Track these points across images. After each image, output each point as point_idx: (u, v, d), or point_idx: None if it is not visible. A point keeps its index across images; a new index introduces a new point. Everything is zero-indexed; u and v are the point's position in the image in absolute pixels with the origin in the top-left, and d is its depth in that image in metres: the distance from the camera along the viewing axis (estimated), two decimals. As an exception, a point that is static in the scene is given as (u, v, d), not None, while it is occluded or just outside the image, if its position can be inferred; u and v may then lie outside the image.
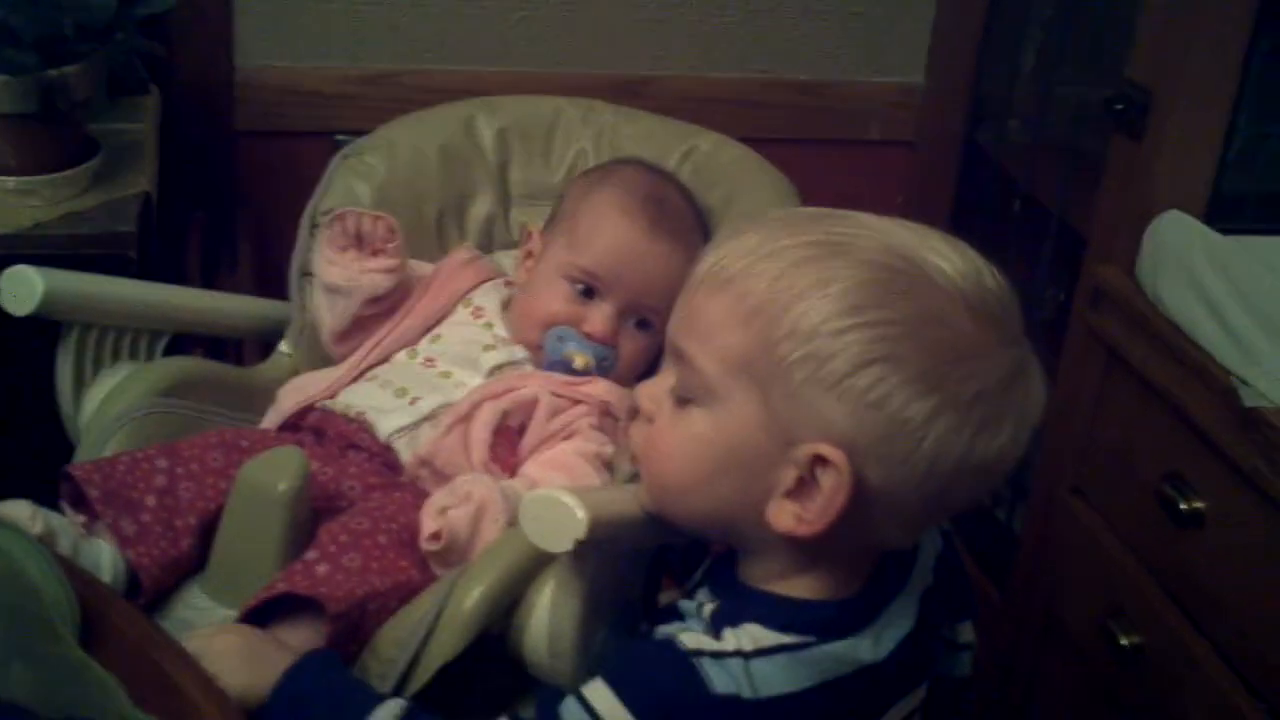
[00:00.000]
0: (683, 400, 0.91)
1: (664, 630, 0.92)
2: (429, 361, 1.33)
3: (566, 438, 1.27)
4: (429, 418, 1.27)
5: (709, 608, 0.92)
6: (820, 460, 0.84)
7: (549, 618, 1.03)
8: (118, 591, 1.09)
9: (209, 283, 1.69)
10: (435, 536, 1.11)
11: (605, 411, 1.29)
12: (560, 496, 0.95)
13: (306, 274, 1.43)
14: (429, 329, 1.37)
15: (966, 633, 1.08)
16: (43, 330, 1.27)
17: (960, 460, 0.85)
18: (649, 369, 1.34)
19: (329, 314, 1.36)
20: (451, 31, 1.93)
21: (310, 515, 1.14)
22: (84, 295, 1.28)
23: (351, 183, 1.45)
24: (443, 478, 1.22)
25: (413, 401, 1.28)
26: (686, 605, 0.94)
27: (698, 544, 1.04)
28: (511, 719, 0.97)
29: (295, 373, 1.40)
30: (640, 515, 0.97)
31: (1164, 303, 1.37)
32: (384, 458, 1.25)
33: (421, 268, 1.41)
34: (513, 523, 1.09)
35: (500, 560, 1.06)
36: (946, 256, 0.86)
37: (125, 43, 1.55)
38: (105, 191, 1.53)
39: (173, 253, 1.72)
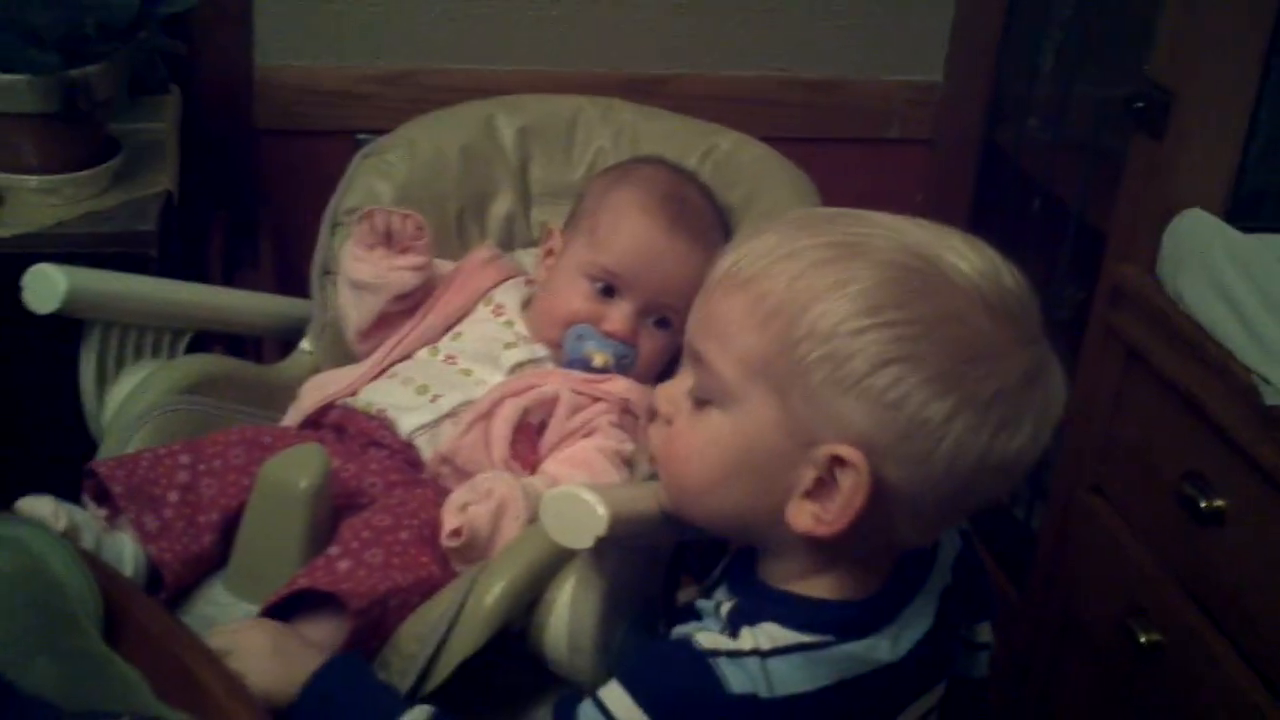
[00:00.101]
0: (701, 402, 0.91)
1: (680, 630, 0.92)
2: (450, 359, 1.34)
3: (587, 435, 1.27)
4: (450, 415, 1.27)
5: (727, 606, 0.92)
6: (839, 461, 0.84)
7: (569, 614, 1.04)
8: (140, 586, 1.09)
9: (230, 281, 1.70)
10: (456, 533, 1.11)
11: (625, 409, 1.30)
12: (581, 493, 0.95)
13: (328, 272, 1.44)
14: (450, 327, 1.37)
15: (984, 633, 1.08)
16: (65, 329, 1.28)
17: (979, 459, 0.84)
18: (668, 367, 1.35)
19: (355, 310, 1.37)
20: (470, 31, 1.93)
21: (331, 512, 1.14)
22: (106, 294, 1.29)
23: (373, 182, 1.45)
24: (464, 475, 1.22)
25: (433, 399, 1.28)
26: (704, 604, 0.94)
27: (716, 542, 1.04)
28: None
29: (316, 370, 1.41)
30: (660, 513, 0.97)
31: (1184, 301, 1.37)
32: (405, 455, 1.26)
33: (443, 266, 1.41)
34: (533, 520, 1.09)
35: (521, 557, 1.06)
36: (964, 255, 0.86)
37: (147, 42, 1.55)
38: (126, 190, 1.54)
39: (194, 251, 1.73)
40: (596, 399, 1.29)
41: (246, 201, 1.93)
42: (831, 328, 0.83)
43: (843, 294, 0.83)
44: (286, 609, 1.05)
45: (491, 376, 1.30)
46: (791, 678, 0.87)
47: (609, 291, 1.33)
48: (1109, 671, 1.52)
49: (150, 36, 1.55)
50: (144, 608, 0.94)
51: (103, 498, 1.14)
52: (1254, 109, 1.38)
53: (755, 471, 0.88)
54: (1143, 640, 1.41)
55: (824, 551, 0.89)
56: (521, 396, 1.27)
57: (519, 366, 1.32)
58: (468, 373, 1.31)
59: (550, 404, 1.28)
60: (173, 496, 1.14)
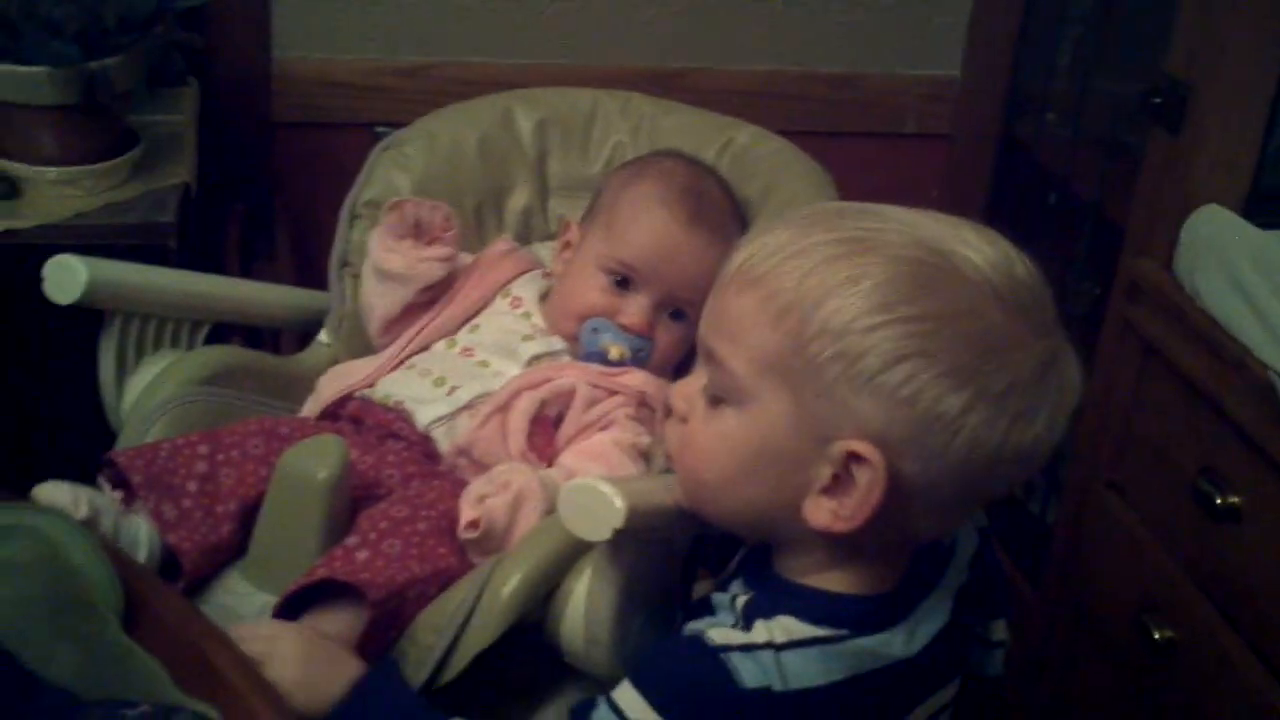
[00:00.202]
0: (715, 400, 0.91)
1: (693, 627, 0.92)
2: (467, 351, 1.34)
3: (603, 428, 1.27)
4: (467, 407, 1.27)
5: (743, 599, 0.92)
6: (855, 457, 0.84)
7: (585, 606, 1.04)
8: (160, 578, 1.10)
9: (246, 273, 1.71)
10: (473, 524, 1.12)
11: (642, 402, 1.30)
12: (599, 486, 0.95)
13: (346, 264, 1.44)
14: (468, 319, 1.37)
15: (999, 630, 1.08)
16: (83, 319, 1.29)
17: (995, 451, 0.84)
18: (685, 360, 1.35)
19: (382, 300, 1.37)
20: (486, 24, 1.93)
21: (349, 503, 1.15)
22: (126, 285, 1.29)
23: (391, 174, 1.46)
24: (481, 467, 1.22)
25: (450, 391, 1.29)
26: (719, 598, 0.95)
27: (732, 536, 1.04)
28: None
29: (334, 362, 1.41)
30: (677, 506, 0.97)
31: (1201, 296, 1.37)
32: (423, 447, 1.26)
33: (462, 259, 1.42)
34: (550, 512, 1.10)
35: (538, 548, 1.07)
36: (977, 248, 0.86)
37: (165, 35, 1.56)
38: (145, 182, 1.55)
39: (210, 243, 1.74)
40: (613, 392, 1.29)
41: (263, 194, 1.93)
42: (844, 325, 0.83)
43: (854, 290, 0.83)
44: (304, 599, 1.05)
45: (509, 369, 1.31)
46: (806, 671, 0.87)
47: (625, 284, 1.33)
48: (1123, 668, 1.52)
49: (169, 29, 1.56)
50: (162, 597, 0.95)
51: (119, 482, 1.15)
52: (1272, 105, 1.38)
53: (771, 469, 0.88)
54: (1157, 637, 1.41)
55: (841, 546, 0.90)
56: (538, 389, 1.27)
57: (536, 359, 1.32)
58: (485, 365, 1.32)
59: (567, 397, 1.28)
60: (191, 486, 1.14)
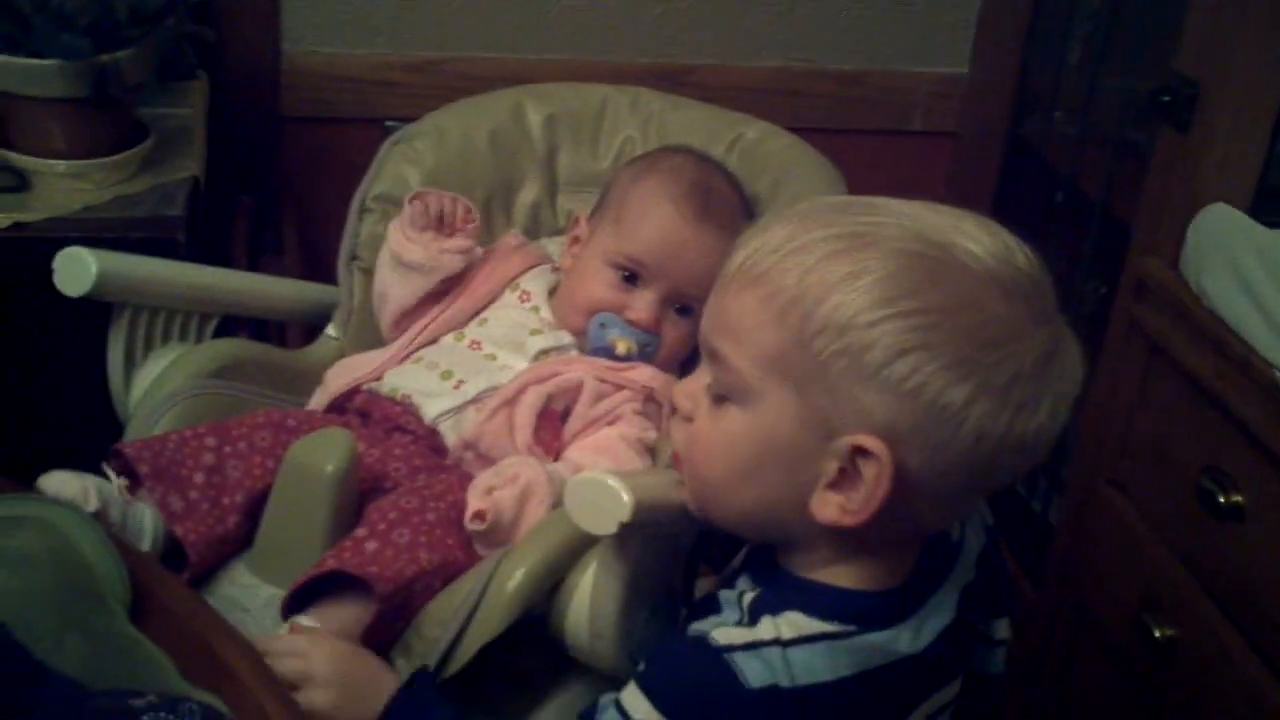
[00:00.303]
0: (720, 398, 0.91)
1: (697, 628, 0.92)
2: (475, 344, 1.34)
3: (610, 423, 1.28)
4: (474, 401, 1.28)
5: (750, 596, 0.92)
6: (861, 451, 0.84)
7: (591, 601, 1.04)
8: (158, 559, 1.10)
9: (254, 267, 1.71)
10: (480, 516, 1.12)
11: (649, 397, 1.30)
12: (606, 480, 0.95)
13: (355, 258, 1.45)
14: (477, 313, 1.38)
15: (1002, 629, 1.08)
16: (92, 312, 1.29)
17: (1000, 440, 0.85)
18: (691, 356, 1.35)
19: (399, 291, 1.37)
20: (495, 19, 1.94)
21: (356, 496, 1.15)
22: (136, 277, 1.30)
23: (402, 168, 1.46)
24: (487, 461, 1.23)
25: (457, 385, 1.29)
26: (726, 594, 0.95)
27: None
28: None
29: (342, 355, 1.42)
30: (683, 500, 0.98)
31: (1207, 295, 1.37)
32: (429, 440, 1.27)
33: (474, 252, 1.42)
34: (557, 506, 1.10)
35: (544, 542, 1.07)
36: (976, 239, 0.86)
37: (176, 28, 1.56)
38: (154, 176, 1.55)
39: (219, 237, 1.74)
40: (620, 387, 1.30)
41: (272, 188, 1.94)
42: (847, 320, 0.83)
43: (856, 285, 0.84)
44: (312, 590, 1.06)
45: (516, 362, 1.31)
46: (813, 666, 0.87)
47: (633, 280, 1.33)
48: (1123, 666, 1.52)
49: (180, 22, 1.56)
50: (169, 588, 0.95)
51: (124, 470, 1.16)
52: (1280, 103, 1.38)
53: (777, 465, 0.88)
54: (1158, 635, 1.41)
55: (847, 541, 0.90)
56: (545, 383, 1.28)
57: (544, 353, 1.32)
58: (492, 358, 1.32)
59: (574, 391, 1.28)
60: (198, 478, 1.15)
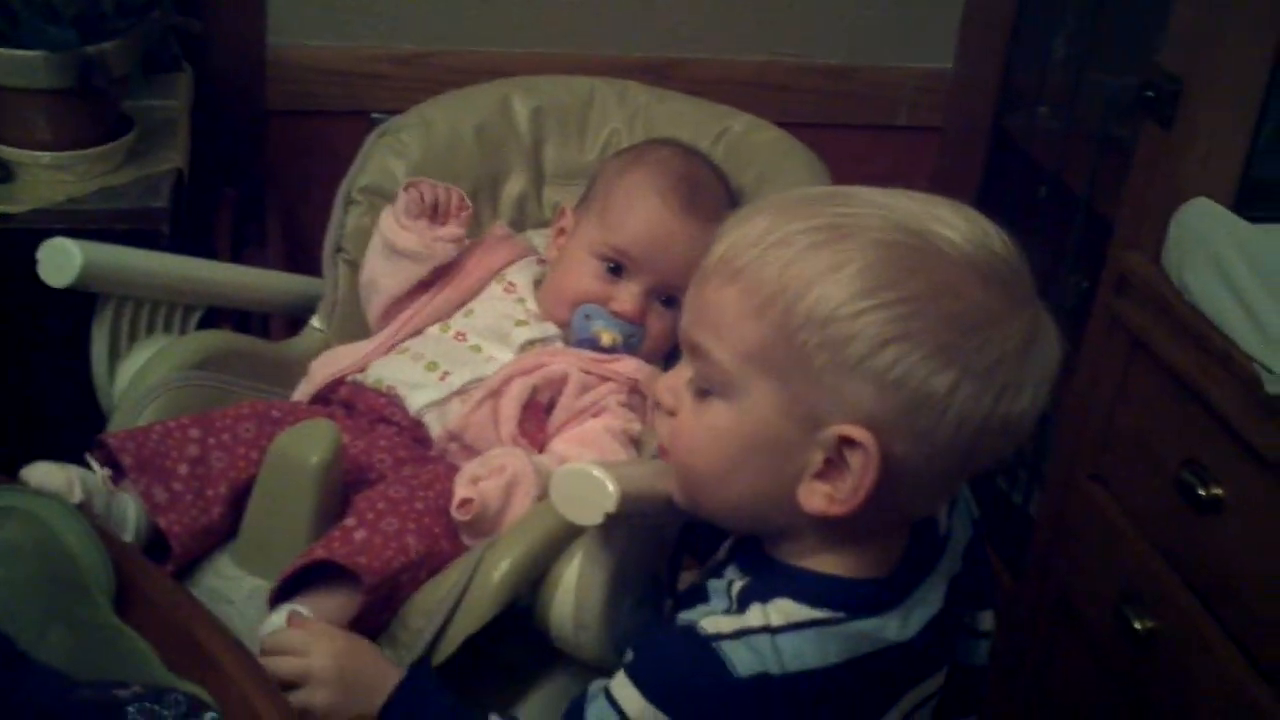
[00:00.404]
0: (702, 392, 0.91)
1: (685, 617, 0.92)
2: (460, 336, 1.34)
3: (595, 415, 1.28)
4: (459, 393, 1.28)
5: (738, 584, 0.92)
6: (847, 441, 0.85)
7: (575, 591, 1.04)
8: (141, 549, 1.10)
9: (237, 259, 1.70)
10: (466, 504, 1.12)
11: (633, 389, 1.31)
12: (592, 470, 0.96)
13: (340, 250, 1.44)
14: (463, 304, 1.38)
15: (987, 621, 1.08)
16: (76, 303, 1.29)
17: (983, 424, 0.86)
18: (676, 347, 1.35)
19: (391, 280, 1.37)
20: (484, 13, 1.93)
21: (340, 488, 1.15)
22: (120, 268, 1.29)
23: (387, 160, 1.46)
24: (472, 452, 1.23)
25: (442, 376, 1.29)
26: (714, 583, 0.95)
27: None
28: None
29: (326, 347, 1.41)
30: (668, 491, 0.98)
31: (1189, 289, 1.37)
32: (414, 432, 1.27)
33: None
34: (543, 497, 1.10)
35: (529, 533, 1.07)
36: (953, 225, 0.87)
37: (162, 20, 1.56)
38: (138, 167, 1.55)
39: (203, 229, 1.74)
40: (605, 379, 1.30)
41: (256, 180, 1.93)
42: (829, 313, 0.84)
43: (837, 278, 0.84)
44: (299, 579, 1.06)
45: (501, 354, 1.31)
46: (803, 653, 0.88)
47: (618, 271, 1.33)
48: (1103, 658, 1.52)
49: (166, 14, 1.55)
50: (153, 580, 0.95)
51: (108, 463, 1.15)
52: (1264, 99, 1.38)
53: (763, 457, 0.89)
54: (1138, 627, 1.42)
55: (835, 530, 0.90)
56: (530, 375, 1.28)
57: (529, 344, 1.32)
58: (478, 350, 1.32)
59: (559, 383, 1.28)
60: (182, 469, 1.15)
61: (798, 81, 2.05)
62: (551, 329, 1.34)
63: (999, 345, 0.85)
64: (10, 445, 1.11)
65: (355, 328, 1.42)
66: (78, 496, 1.07)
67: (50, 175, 1.49)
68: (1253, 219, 1.36)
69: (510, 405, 1.25)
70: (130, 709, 0.80)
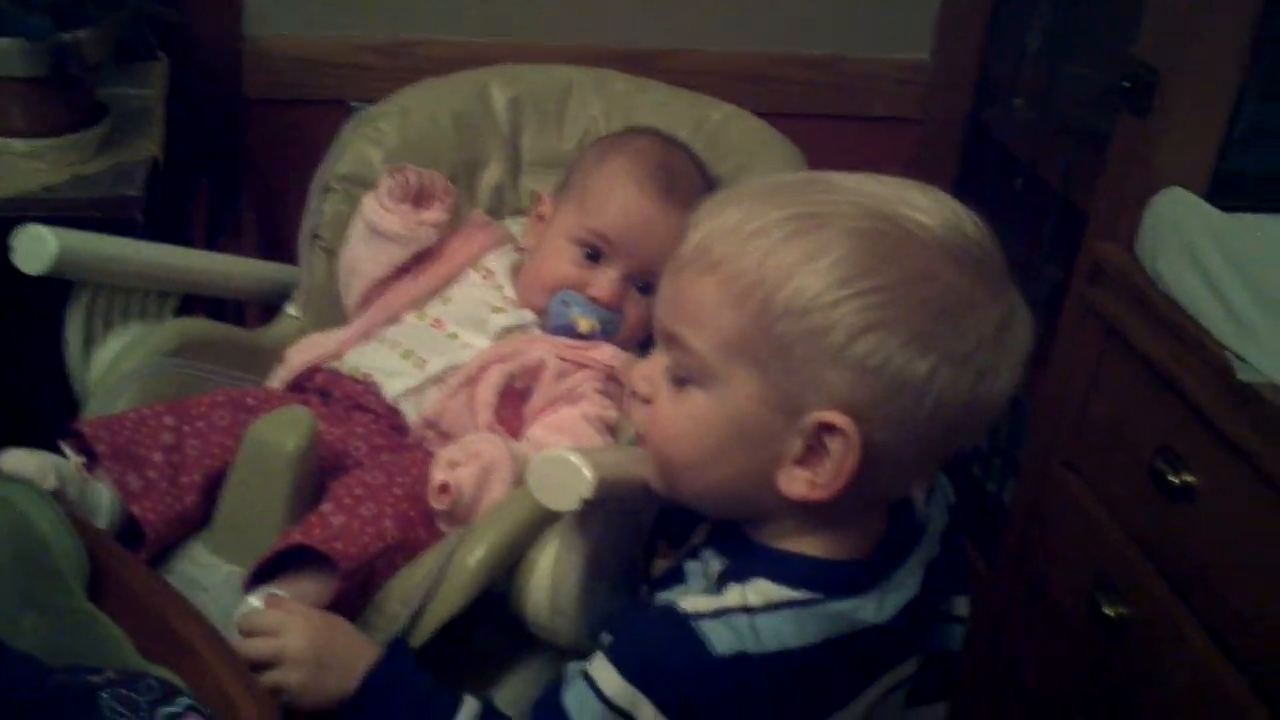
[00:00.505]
0: (680, 380, 0.92)
1: (663, 597, 0.93)
2: (437, 323, 1.34)
3: (572, 402, 1.28)
4: (436, 380, 1.28)
5: (716, 565, 0.93)
6: (827, 427, 0.86)
7: (552, 576, 1.05)
8: (114, 536, 1.10)
9: (211, 248, 1.69)
10: (443, 489, 1.12)
11: (610, 376, 1.31)
12: (568, 456, 0.96)
13: (316, 237, 1.44)
14: (439, 291, 1.37)
15: (962, 606, 1.09)
16: (50, 290, 1.28)
17: (962, 408, 0.87)
18: (652, 335, 1.35)
19: (372, 264, 1.37)
20: (464, 2, 1.93)
21: (316, 475, 1.15)
22: (96, 255, 1.29)
23: (365, 148, 1.45)
24: (448, 439, 1.23)
25: (419, 364, 1.29)
26: (692, 565, 0.96)
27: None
28: (482, 701, 0.98)
29: (302, 335, 1.41)
30: (645, 477, 0.98)
31: (1163, 278, 1.38)
32: (390, 419, 1.26)
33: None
34: (519, 483, 1.10)
35: (505, 519, 1.08)
36: (924, 209, 0.88)
37: (139, 7, 1.55)
38: (113, 156, 1.54)
39: (177, 218, 1.73)
40: (581, 365, 1.30)
41: (231, 169, 1.92)
42: (807, 303, 0.84)
43: (814, 267, 0.85)
44: (274, 564, 1.06)
45: (478, 340, 1.31)
46: (781, 633, 0.88)
47: (596, 257, 1.33)
48: (1076, 644, 1.53)
49: (143, 2, 1.55)
50: (127, 567, 0.95)
51: (82, 450, 1.15)
52: (1239, 90, 1.39)
53: (743, 444, 0.89)
54: (1110, 614, 1.42)
55: (813, 513, 0.91)
56: (507, 362, 1.28)
57: (506, 331, 1.32)
58: (454, 337, 1.32)
59: (536, 370, 1.28)
60: (157, 456, 1.14)
61: (778, 72, 2.05)
62: (529, 316, 1.34)
63: (976, 330, 0.86)
64: (-16, 432, 1.11)
65: (331, 315, 1.42)
66: (51, 483, 1.06)
67: (24, 163, 1.48)
68: (1226, 209, 1.37)
69: (487, 392, 1.25)
70: (103, 694, 0.80)
